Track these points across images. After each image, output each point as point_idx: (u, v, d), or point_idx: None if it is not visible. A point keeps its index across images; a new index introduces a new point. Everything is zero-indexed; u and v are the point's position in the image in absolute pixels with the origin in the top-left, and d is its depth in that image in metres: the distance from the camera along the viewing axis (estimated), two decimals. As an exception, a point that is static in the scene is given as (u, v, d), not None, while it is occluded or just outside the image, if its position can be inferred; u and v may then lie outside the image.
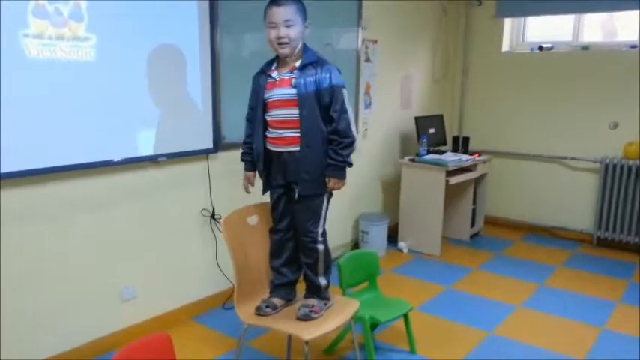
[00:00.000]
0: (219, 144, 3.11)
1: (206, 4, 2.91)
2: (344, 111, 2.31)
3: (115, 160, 2.63)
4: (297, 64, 2.30)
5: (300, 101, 2.25)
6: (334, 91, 2.28)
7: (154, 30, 2.71)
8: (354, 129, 2.33)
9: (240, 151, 2.54)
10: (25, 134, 2.27)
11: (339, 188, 2.39)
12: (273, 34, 2.25)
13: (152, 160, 2.82)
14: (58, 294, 2.54)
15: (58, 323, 2.55)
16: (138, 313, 2.89)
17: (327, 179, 2.33)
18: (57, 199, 2.48)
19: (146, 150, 2.77)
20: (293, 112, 2.27)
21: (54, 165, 2.39)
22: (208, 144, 3.06)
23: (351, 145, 2.32)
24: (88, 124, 2.49)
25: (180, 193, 3.02)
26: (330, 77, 2.28)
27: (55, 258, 2.51)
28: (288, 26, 2.23)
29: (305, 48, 2.34)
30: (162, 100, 2.80)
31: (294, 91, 2.26)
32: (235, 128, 3.14)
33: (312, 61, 2.29)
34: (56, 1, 2.29)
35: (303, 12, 2.30)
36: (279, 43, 2.25)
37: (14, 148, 2.23)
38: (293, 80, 2.27)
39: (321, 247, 2.40)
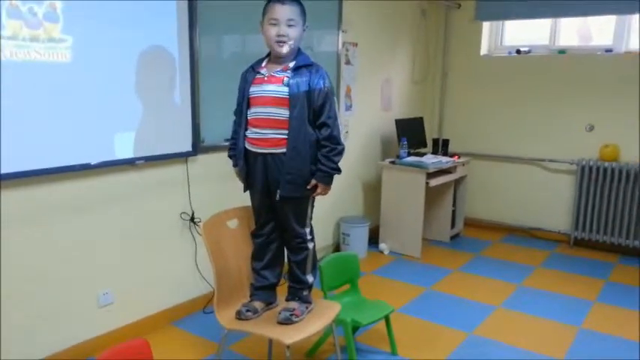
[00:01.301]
0: (198, 146, 3.08)
1: (185, 5, 2.89)
2: (336, 117, 2.31)
3: (93, 163, 2.58)
4: (291, 64, 2.27)
5: (292, 101, 2.22)
6: (327, 96, 2.27)
7: (132, 31, 2.67)
8: (343, 137, 2.33)
9: (227, 146, 2.50)
10: (-1, 137, 2.21)
11: (325, 194, 2.39)
12: (273, 31, 2.22)
13: (130, 163, 2.77)
14: (34, 300, 2.48)
15: (33, 330, 2.49)
16: (115, 319, 2.84)
17: (313, 184, 2.31)
18: (32, 203, 2.42)
19: (124, 153, 2.73)
20: (279, 112, 2.23)
21: (28, 168, 2.33)
22: (187, 146, 3.03)
23: (342, 152, 2.33)
24: (64, 127, 2.44)
25: (159, 196, 2.98)
26: (324, 82, 2.27)
27: (30, 263, 2.45)
28: (290, 25, 2.22)
29: (300, 50, 2.33)
30: (141, 102, 2.76)
31: (284, 89, 2.22)
32: (215, 131, 3.13)
33: (306, 64, 2.28)
34: (30, 1, 2.24)
35: (305, 14, 2.29)
36: (278, 41, 2.23)
37: (-13, 151, 2.18)
38: (285, 79, 2.23)
39: (311, 244, 2.41)
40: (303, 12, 2.28)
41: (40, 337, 2.52)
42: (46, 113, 2.37)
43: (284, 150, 2.25)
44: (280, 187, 2.28)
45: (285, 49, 2.24)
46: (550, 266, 4.29)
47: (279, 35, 2.22)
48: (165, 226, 3.04)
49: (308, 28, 2.34)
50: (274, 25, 2.22)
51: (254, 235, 2.46)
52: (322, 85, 2.26)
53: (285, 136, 2.24)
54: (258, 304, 2.36)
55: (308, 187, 2.32)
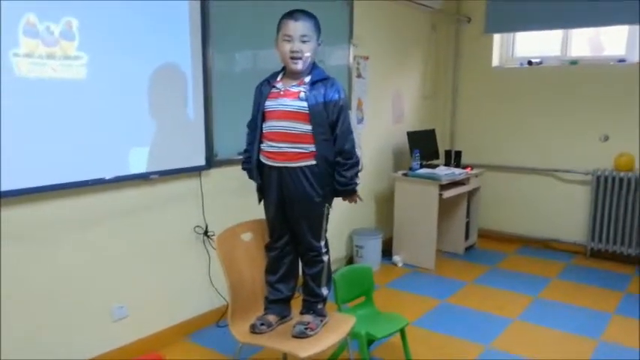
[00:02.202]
0: (211, 160, 3.10)
1: (198, 22, 2.92)
2: (350, 131, 2.32)
3: (107, 177, 2.61)
4: (307, 79, 2.28)
5: (312, 115, 2.22)
6: (342, 109, 2.28)
7: (146, 48, 2.71)
8: (358, 150, 2.34)
9: (240, 159, 2.50)
10: (15, 153, 2.24)
11: (353, 201, 2.45)
12: (287, 47, 2.23)
13: (144, 178, 2.80)
14: (48, 314, 2.50)
15: (47, 344, 2.50)
16: (130, 333, 2.84)
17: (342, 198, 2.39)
18: (47, 218, 2.45)
19: (138, 167, 2.75)
20: (295, 126, 2.24)
21: (44, 184, 2.36)
22: (201, 161, 3.05)
23: (355, 165, 2.32)
24: (79, 142, 2.47)
25: (173, 210, 3.00)
26: (339, 96, 2.27)
27: (45, 278, 2.47)
28: (303, 41, 2.23)
29: (315, 64, 2.34)
30: (155, 117, 2.79)
31: (302, 103, 2.23)
32: (228, 145, 3.14)
33: (322, 78, 2.29)
34: (47, 20, 2.28)
35: (319, 29, 2.29)
36: (292, 57, 2.23)
37: (3, 167, 2.20)
38: (302, 94, 2.24)
39: (326, 257, 2.40)
40: (318, 27, 2.29)
41: (54, 352, 2.53)
42: (61, 129, 2.40)
43: (300, 164, 2.25)
44: (302, 204, 2.29)
45: (299, 66, 2.25)
46: (567, 278, 4.23)
47: (292, 51, 2.23)
48: (179, 240, 3.05)
49: (322, 42, 2.35)
50: (288, 41, 2.23)
51: (268, 248, 2.45)
52: (338, 99, 2.27)
53: (302, 150, 2.25)
54: (272, 318, 2.35)
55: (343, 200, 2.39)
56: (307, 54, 2.24)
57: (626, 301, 3.74)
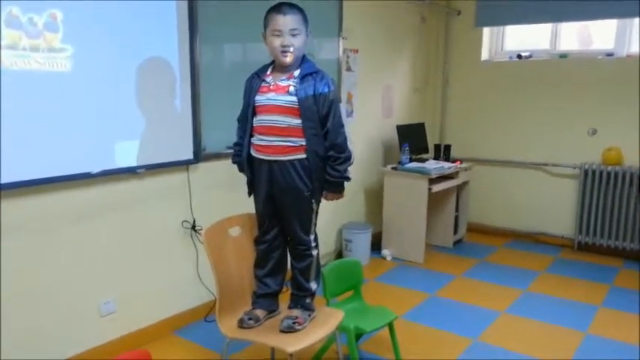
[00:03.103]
0: (199, 154, 3.07)
1: (185, 14, 2.89)
2: (341, 125, 2.31)
3: (94, 171, 2.58)
4: (297, 72, 2.26)
5: (302, 110, 2.21)
6: (332, 103, 2.26)
7: (132, 40, 2.67)
8: (349, 144, 2.33)
9: (229, 153, 2.48)
10: (-1, 147, 2.21)
11: (337, 199, 2.42)
12: (277, 41, 2.21)
13: (131, 172, 2.77)
14: (34, 309, 2.47)
15: (34, 339, 2.48)
16: (117, 328, 2.83)
17: (325, 194, 2.35)
18: (32, 213, 2.42)
19: (125, 161, 2.72)
20: (285, 120, 2.23)
21: (29, 178, 2.33)
22: (189, 154, 3.03)
23: (348, 159, 2.32)
24: (64, 136, 2.44)
25: (161, 204, 2.97)
26: (329, 89, 2.26)
27: (30, 272, 2.44)
28: (293, 35, 2.21)
29: (304, 57, 2.32)
30: (141, 110, 2.76)
31: (291, 98, 2.22)
32: (216, 138, 3.12)
33: (312, 72, 2.27)
34: (30, 12, 2.24)
35: (307, 21, 2.27)
36: (283, 52, 2.22)
37: (-13, 161, 2.17)
38: (291, 88, 2.23)
39: (315, 251, 2.40)
40: (306, 19, 2.27)
41: (40, 347, 2.51)
42: (46, 122, 2.37)
43: (290, 157, 2.25)
44: (291, 196, 2.28)
45: (289, 59, 2.23)
46: (554, 271, 4.26)
47: (283, 46, 2.21)
48: (167, 235, 3.03)
49: (311, 34, 2.33)
50: (278, 36, 2.21)
51: (257, 241, 2.45)
52: (328, 92, 2.25)
53: (291, 144, 2.24)
54: (260, 312, 2.35)
55: (322, 197, 2.36)
56: (297, 48, 2.23)
57: (613, 294, 3.77)
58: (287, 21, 2.19)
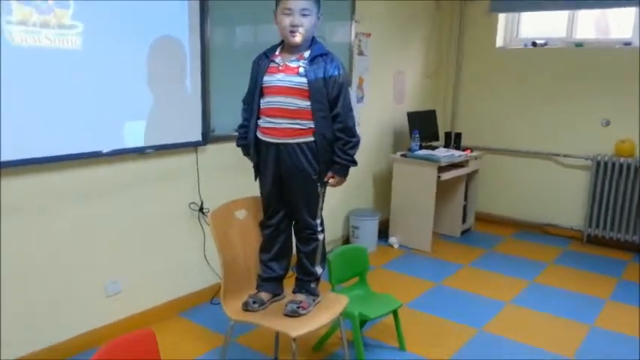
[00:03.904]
0: (208, 136, 3.06)
1: (196, -6, 2.86)
2: (350, 109, 2.29)
3: (104, 151, 2.58)
4: (306, 54, 2.23)
5: (312, 91, 2.18)
6: (342, 87, 2.24)
7: (143, 19, 2.65)
8: (357, 128, 2.31)
9: (237, 135, 2.44)
10: (8, 123, 2.20)
11: (340, 184, 2.38)
12: (287, 20, 2.18)
13: (140, 152, 2.76)
14: (41, 288, 2.49)
15: (40, 318, 2.50)
16: (123, 309, 2.84)
17: (330, 176, 2.32)
18: (41, 191, 2.42)
19: (134, 141, 2.72)
20: (294, 102, 2.20)
21: (38, 155, 2.33)
22: (197, 136, 3.01)
23: (357, 144, 2.30)
24: (74, 114, 2.43)
25: (168, 185, 2.97)
26: (339, 72, 2.23)
27: (38, 251, 2.45)
28: (303, 15, 2.17)
29: (314, 39, 2.29)
30: (151, 90, 2.74)
31: (301, 79, 2.19)
32: (225, 120, 3.10)
33: (322, 53, 2.24)
34: (40, -14, 2.22)
35: (319, 2, 2.24)
36: (292, 31, 2.18)
37: (-4, 138, 2.17)
38: (301, 69, 2.20)
39: (321, 236, 2.39)
40: (318, 1, 2.23)
41: (47, 325, 2.53)
42: (56, 100, 2.36)
43: (298, 140, 2.22)
44: (298, 180, 2.26)
45: (298, 39, 2.20)
46: (563, 263, 4.23)
47: (293, 25, 2.17)
48: (174, 216, 3.03)
49: (322, 17, 2.29)
50: (288, 15, 2.18)
51: (263, 225, 2.44)
52: (337, 75, 2.22)
53: (300, 127, 2.21)
54: (264, 296, 2.34)
55: (325, 179, 2.32)
56: (307, 28, 2.19)
57: (621, 288, 3.74)
58: (298, 1, 2.16)
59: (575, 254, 4.46)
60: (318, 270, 2.42)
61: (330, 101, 2.23)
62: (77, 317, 2.65)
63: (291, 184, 2.29)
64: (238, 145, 2.44)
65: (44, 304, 2.51)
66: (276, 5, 2.23)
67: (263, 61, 2.29)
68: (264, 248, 2.44)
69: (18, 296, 2.40)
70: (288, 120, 2.22)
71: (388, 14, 4.48)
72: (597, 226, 4.62)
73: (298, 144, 2.23)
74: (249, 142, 2.34)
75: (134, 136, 2.71)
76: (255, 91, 2.29)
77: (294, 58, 2.24)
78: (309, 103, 2.20)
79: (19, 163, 2.27)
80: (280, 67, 2.24)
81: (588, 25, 4.82)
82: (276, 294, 2.41)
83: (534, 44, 4.92)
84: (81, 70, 2.42)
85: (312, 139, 2.23)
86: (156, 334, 1.75)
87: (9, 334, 2.39)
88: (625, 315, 3.31)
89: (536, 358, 2.77)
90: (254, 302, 2.28)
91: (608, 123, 4.58)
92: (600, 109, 4.59)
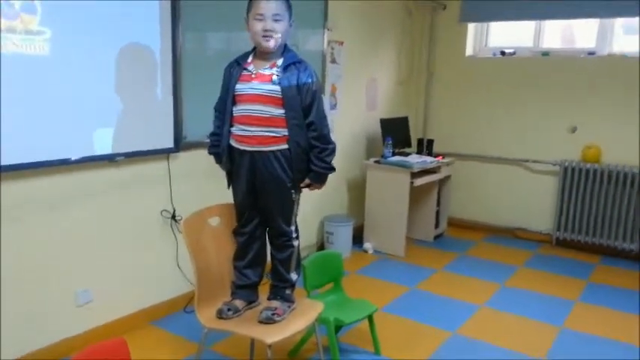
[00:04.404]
0: (180, 143, 3.03)
1: (168, 1, 2.84)
2: (325, 116, 2.30)
3: (73, 158, 2.53)
4: (279, 62, 2.23)
5: (286, 100, 2.18)
6: (316, 94, 2.24)
7: (113, 25, 2.62)
8: (332, 135, 2.32)
9: (209, 143, 2.43)
10: (-27, 131, 2.15)
11: (318, 189, 2.40)
12: (259, 26, 2.17)
13: (110, 159, 2.72)
14: (10, 298, 2.42)
15: (9, 328, 2.43)
16: (94, 318, 2.78)
17: (307, 184, 2.33)
18: (9, 199, 2.36)
19: (104, 148, 2.67)
20: (268, 110, 2.19)
21: (5, 163, 2.27)
22: (169, 143, 2.98)
23: (334, 151, 2.31)
24: (42, 121, 2.38)
25: (140, 193, 2.93)
26: (313, 80, 2.24)
27: (5, 260, 2.39)
28: (276, 20, 2.17)
29: (287, 47, 2.29)
30: (121, 97, 2.71)
31: (274, 87, 2.18)
32: (198, 127, 3.08)
33: (295, 62, 2.24)
34: (7, -9, 2.18)
35: (290, 9, 2.24)
36: (265, 36, 2.18)
37: (-40, 145, 2.12)
38: (275, 77, 2.19)
39: (296, 242, 2.38)
40: (289, 6, 2.24)
41: (15, 336, 2.46)
42: (23, 107, 2.31)
43: (272, 148, 2.22)
44: (272, 187, 2.26)
45: (272, 44, 2.20)
46: (533, 266, 4.31)
47: (265, 30, 2.17)
48: (146, 224, 2.99)
49: (294, 23, 2.30)
50: (260, 20, 2.18)
51: (236, 233, 2.42)
52: (311, 82, 2.23)
53: (274, 134, 2.21)
54: (239, 303, 2.33)
55: (302, 185, 2.33)
56: (279, 34, 2.20)
57: (589, 290, 3.83)
58: (270, 5, 2.16)
59: (545, 257, 4.56)
60: (294, 277, 2.41)
61: (304, 109, 2.23)
62: (47, 327, 2.59)
63: (265, 192, 2.29)
64: (210, 153, 2.43)
65: (13, 314, 2.44)
66: (248, 11, 2.23)
67: (235, 69, 2.28)
68: (238, 256, 2.42)
69: (-16, 308, 2.34)
70: (262, 128, 2.21)
71: (360, 22, 4.53)
72: (566, 229, 4.73)
73: (272, 152, 2.23)
74: (221, 149, 2.33)
75: (104, 143, 2.67)
76: (228, 99, 2.28)
77: (267, 65, 2.24)
78: (282, 111, 2.20)
79: (-16, 170, 2.22)
80: (253, 75, 2.24)
81: (555, 34, 4.96)
82: (251, 301, 2.39)
83: (503, 53, 5.04)
84: (49, 77, 2.38)
85: (286, 146, 2.23)
86: (128, 343, 1.73)
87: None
88: (593, 316, 3.39)
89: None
90: (228, 310, 2.26)
91: (575, 129, 4.71)
92: (567, 116, 4.72)
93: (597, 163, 4.54)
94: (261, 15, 2.17)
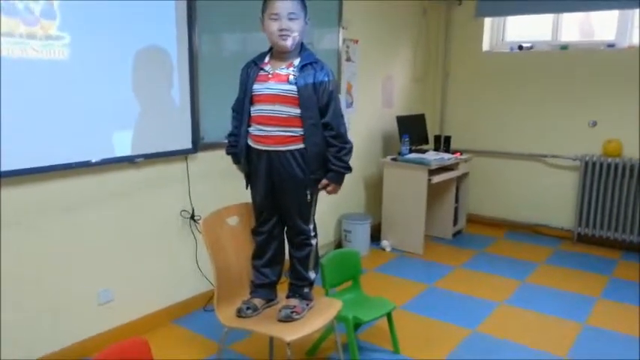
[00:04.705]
0: (198, 144, 3.06)
1: (184, 3, 2.86)
2: (341, 115, 2.30)
3: (93, 160, 2.57)
4: (296, 62, 2.24)
5: (302, 100, 2.19)
6: (332, 94, 2.24)
7: (131, 29, 2.65)
8: (348, 133, 2.32)
9: (227, 143, 2.45)
10: (-4, 135, 2.20)
11: (336, 192, 2.39)
12: (275, 25, 2.18)
13: (130, 161, 2.76)
14: (33, 298, 2.47)
15: (32, 328, 2.48)
16: (115, 317, 2.83)
17: (325, 184, 2.33)
18: (32, 202, 2.41)
19: (123, 150, 2.71)
20: (285, 109, 2.20)
21: (28, 166, 2.32)
22: (187, 144, 3.01)
23: (351, 150, 2.32)
24: (62, 124, 2.43)
25: (159, 194, 2.97)
26: (329, 80, 2.24)
27: (29, 261, 2.44)
28: (291, 19, 2.17)
29: (303, 47, 2.30)
30: (139, 99, 2.74)
31: (291, 87, 2.19)
32: (215, 128, 3.11)
33: (311, 61, 2.24)
34: (27, -2, 2.23)
35: (305, 7, 2.24)
36: (281, 35, 2.18)
37: (-16, 149, 2.16)
38: (291, 77, 2.20)
39: (314, 241, 2.39)
40: (304, 5, 2.24)
41: (38, 335, 2.51)
42: (43, 111, 2.35)
43: (290, 148, 2.23)
44: (290, 186, 2.27)
45: (289, 42, 2.20)
46: (554, 263, 4.26)
47: (281, 29, 2.17)
48: (166, 224, 3.03)
49: (309, 22, 2.29)
50: (275, 19, 2.18)
51: (255, 232, 2.44)
52: (327, 82, 2.23)
53: (291, 134, 2.22)
54: (258, 302, 2.35)
55: (319, 186, 2.33)
56: (296, 32, 2.20)
57: (611, 286, 3.77)
58: (285, 4, 2.16)
59: (566, 253, 4.50)
60: (312, 275, 2.42)
61: (321, 108, 2.23)
62: (69, 327, 2.63)
63: (283, 191, 2.30)
64: (228, 154, 2.45)
65: (36, 315, 2.49)
66: (263, 11, 2.23)
67: (252, 69, 2.29)
68: (256, 255, 2.44)
69: (8, 307, 2.38)
70: (279, 127, 2.22)
71: (375, 20, 4.52)
72: (587, 225, 4.67)
73: (290, 151, 2.24)
74: (239, 150, 2.35)
75: (123, 145, 2.71)
76: (245, 99, 2.29)
77: (283, 65, 2.25)
78: (299, 110, 2.21)
79: (8, 174, 2.26)
80: (270, 75, 2.24)
81: (573, 27, 4.89)
82: (270, 300, 2.41)
83: (520, 47, 4.98)
84: (69, 81, 2.42)
85: (303, 145, 2.24)
86: (149, 342, 1.75)
87: (3, 344, 2.36)
88: (616, 313, 3.34)
89: (530, 358, 2.78)
90: (247, 308, 2.28)
91: (595, 124, 4.64)
92: (587, 110, 4.65)
93: (618, 157, 4.46)
94: (277, 14, 2.17)
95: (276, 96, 2.21)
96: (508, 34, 5.23)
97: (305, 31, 2.27)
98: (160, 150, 2.88)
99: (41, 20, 2.28)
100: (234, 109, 2.41)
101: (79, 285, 2.65)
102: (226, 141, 2.46)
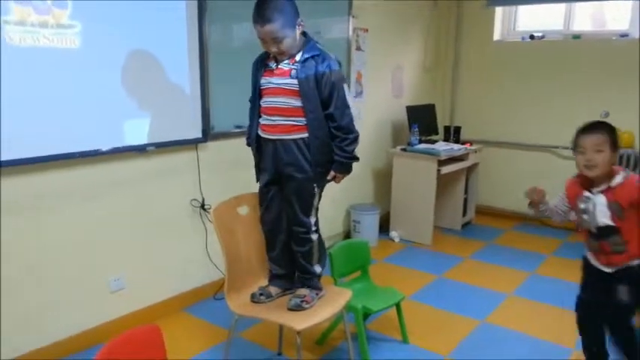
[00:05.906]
0: (208, 133, 3.07)
1: (194, -9, 2.86)
2: (346, 106, 2.29)
3: (103, 149, 2.59)
4: (298, 56, 2.24)
5: (302, 92, 2.21)
6: (335, 85, 2.24)
7: (141, 18, 2.65)
8: (356, 124, 2.31)
9: (236, 132, 2.47)
10: (8, 123, 2.21)
11: (339, 181, 2.41)
12: (264, 46, 2.23)
13: (140, 150, 2.77)
14: (45, 286, 2.50)
15: (45, 315, 2.52)
16: (127, 305, 2.86)
17: (332, 175, 2.35)
18: (43, 190, 2.43)
19: (134, 139, 2.73)
20: (288, 101, 2.24)
21: (39, 155, 2.34)
22: (197, 133, 3.02)
23: (355, 140, 2.32)
24: (74, 113, 2.44)
25: (170, 183, 2.98)
26: (331, 71, 2.23)
27: (41, 249, 2.47)
28: (277, 41, 2.17)
29: (307, 39, 2.29)
30: (151, 88, 2.75)
31: (292, 81, 2.22)
32: (225, 118, 3.11)
33: (313, 54, 2.24)
34: (39, -14, 2.23)
35: (291, 17, 2.18)
36: (274, 54, 2.23)
37: (-3, 137, 2.18)
38: (293, 71, 2.22)
39: (314, 236, 2.39)
40: (288, 19, 2.16)
41: (51, 322, 2.54)
42: (55, 99, 2.37)
43: (294, 136, 2.26)
44: (293, 175, 2.28)
45: (284, 55, 2.24)
46: (562, 254, 4.24)
47: (270, 50, 2.23)
48: (176, 213, 3.04)
49: (303, 22, 2.24)
50: (264, 42, 2.21)
51: (260, 220, 2.45)
52: (329, 72, 2.22)
53: (295, 123, 2.24)
54: (273, 290, 2.38)
55: (328, 177, 2.35)
56: (287, 48, 2.20)
57: (621, 278, 3.75)
58: (265, 32, 2.16)
59: (575, 245, 4.47)
60: (317, 269, 2.42)
61: (323, 100, 2.24)
62: (81, 314, 2.66)
63: (286, 177, 2.31)
64: (248, 145, 2.46)
65: (48, 302, 2.52)
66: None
67: (260, 65, 2.35)
68: (268, 247, 2.47)
69: (21, 294, 2.42)
70: (283, 117, 2.26)
71: (385, 9, 4.48)
72: (597, 217, 4.63)
73: (294, 140, 2.26)
74: (251, 140, 2.39)
75: (134, 134, 2.72)
76: (255, 93, 2.35)
77: (286, 60, 2.27)
78: (300, 103, 2.23)
79: (20, 162, 2.28)
80: (274, 71, 2.28)
81: (585, 17, 4.83)
82: (286, 289, 2.43)
83: (532, 37, 4.92)
84: (80, 69, 2.43)
85: (307, 135, 2.26)
86: (160, 329, 1.77)
87: (18, 330, 2.40)
88: (626, 304, 3.32)
89: (538, 349, 2.78)
90: (261, 294, 2.32)
91: (607, 114, 4.58)
92: (599, 100, 4.59)
93: (631, 148, 4.42)
94: (262, 39, 2.20)
95: (280, 89, 2.25)
96: (519, 24, 5.17)
97: (296, 39, 2.21)
98: (171, 139, 2.89)
99: (53, 9, 2.29)
100: (250, 101, 2.43)
101: (91, 273, 2.68)
102: (236, 130, 2.47)
